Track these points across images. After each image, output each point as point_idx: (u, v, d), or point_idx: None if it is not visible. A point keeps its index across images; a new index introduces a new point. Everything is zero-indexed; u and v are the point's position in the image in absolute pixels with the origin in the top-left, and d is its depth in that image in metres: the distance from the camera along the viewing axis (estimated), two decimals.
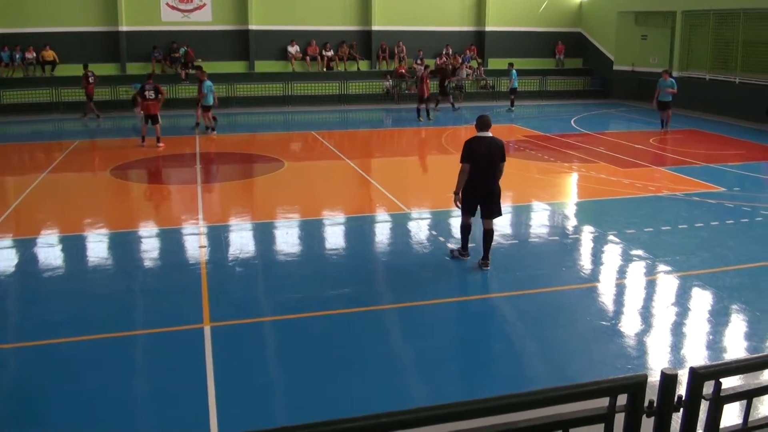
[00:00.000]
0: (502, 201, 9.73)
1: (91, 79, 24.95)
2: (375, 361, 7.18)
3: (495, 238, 9.81)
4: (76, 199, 14.30)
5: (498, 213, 9.69)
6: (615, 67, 32.98)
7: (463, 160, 9.44)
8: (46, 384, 6.58)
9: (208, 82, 21.73)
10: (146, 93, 19.56)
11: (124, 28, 29.25)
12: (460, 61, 32.10)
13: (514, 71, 28.40)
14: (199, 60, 29.28)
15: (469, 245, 10.09)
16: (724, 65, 27.40)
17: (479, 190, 9.51)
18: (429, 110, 25.41)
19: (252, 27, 30.57)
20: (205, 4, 30.11)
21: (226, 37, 30.56)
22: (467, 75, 32.14)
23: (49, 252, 10.94)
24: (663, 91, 21.60)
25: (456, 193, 9.55)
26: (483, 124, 9.55)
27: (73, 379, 6.68)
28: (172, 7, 29.79)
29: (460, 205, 9.64)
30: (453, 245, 10.56)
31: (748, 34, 26.27)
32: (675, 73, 26.59)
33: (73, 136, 22.06)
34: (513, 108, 28.48)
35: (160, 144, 19.61)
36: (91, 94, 25.03)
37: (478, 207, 9.68)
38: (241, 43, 30.77)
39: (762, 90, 23.79)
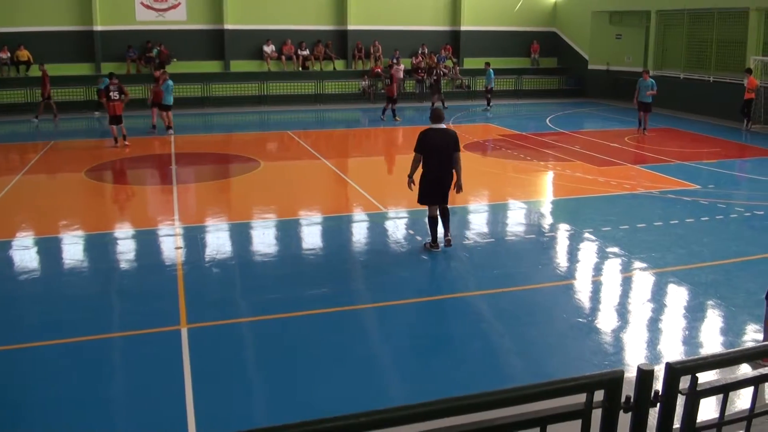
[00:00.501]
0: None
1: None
2: (353, 360, 7.16)
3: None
4: (52, 201, 14.08)
5: (446, 200, 10.29)
6: (590, 67, 33.21)
7: (416, 150, 10.20)
8: (22, 388, 6.48)
9: (169, 82, 21.76)
10: (111, 93, 19.38)
11: (98, 27, 28.94)
12: (436, 60, 32.13)
13: (491, 71, 28.46)
14: (174, 60, 29.10)
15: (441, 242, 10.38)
16: (698, 64, 27.71)
17: (435, 177, 10.08)
18: (395, 110, 25.19)
19: (227, 26, 30.39)
20: (179, 4, 29.86)
21: (201, 37, 30.34)
22: (443, 74, 32.16)
23: (25, 254, 10.78)
24: (643, 91, 21.60)
25: (410, 176, 10.31)
26: (436, 116, 10.32)
27: (49, 383, 6.59)
28: (147, 7, 29.51)
29: (412, 188, 10.23)
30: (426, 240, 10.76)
31: (721, 34, 26.59)
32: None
33: (47, 137, 21.77)
34: (489, 107, 28.55)
35: (127, 143, 19.49)
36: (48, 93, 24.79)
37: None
38: (216, 43, 30.56)
39: (736, 88, 24.03)
